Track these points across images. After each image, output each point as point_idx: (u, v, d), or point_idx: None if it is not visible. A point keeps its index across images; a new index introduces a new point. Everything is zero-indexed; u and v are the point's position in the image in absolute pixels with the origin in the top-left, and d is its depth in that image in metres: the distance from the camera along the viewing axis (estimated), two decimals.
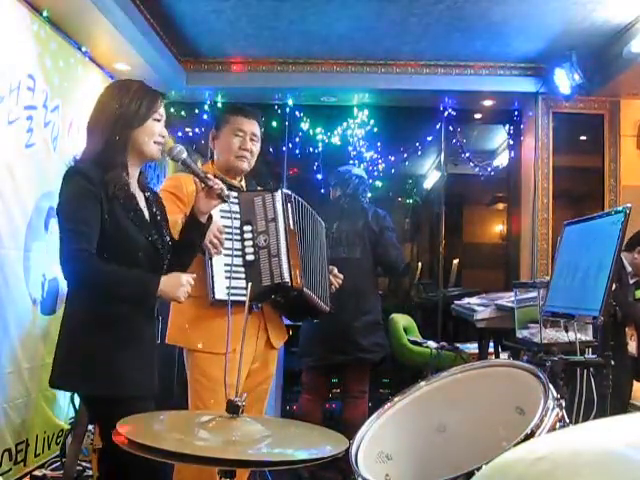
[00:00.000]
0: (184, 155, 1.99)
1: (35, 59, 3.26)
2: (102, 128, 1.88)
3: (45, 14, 3.37)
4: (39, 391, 3.37)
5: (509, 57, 4.92)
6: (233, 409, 1.37)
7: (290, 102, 5.34)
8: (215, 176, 2.15)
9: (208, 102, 5.28)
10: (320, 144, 5.40)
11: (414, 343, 4.62)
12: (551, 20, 4.18)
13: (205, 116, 5.26)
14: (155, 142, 1.93)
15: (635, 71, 4.29)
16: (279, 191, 2.30)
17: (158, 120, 1.94)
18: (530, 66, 5.01)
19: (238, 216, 2.22)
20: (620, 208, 2.17)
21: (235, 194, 2.25)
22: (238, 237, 2.21)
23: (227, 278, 2.15)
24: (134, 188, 1.94)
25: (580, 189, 5.49)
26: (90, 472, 3.10)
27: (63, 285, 3.62)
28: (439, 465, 1.63)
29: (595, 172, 5.20)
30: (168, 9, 4.18)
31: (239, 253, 2.21)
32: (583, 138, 5.43)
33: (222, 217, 2.15)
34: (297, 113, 5.37)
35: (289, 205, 2.30)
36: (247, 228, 2.23)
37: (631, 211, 2.10)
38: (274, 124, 5.26)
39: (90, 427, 3.13)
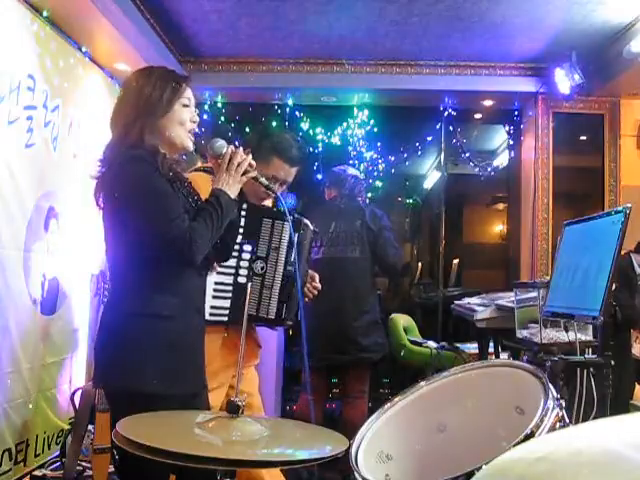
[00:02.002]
0: (224, 150, 1.85)
1: (35, 59, 3.26)
2: (123, 118, 1.77)
3: (45, 14, 3.36)
4: (39, 391, 3.37)
5: (509, 57, 4.92)
6: (233, 409, 1.37)
7: (290, 102, 5.34)
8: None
9: (208, 102, 5.28)
10: (320, 144, 5.40)
11: (414, 343, 4.63)
12: (551, 20, 4.18)
13: (205, 116, 5.26)
14: (188, 130, 1.82)
15: (635, 71, 4.29)
16: (291, 219, 2.12)
17: (187, 105, 1.81)
18: (530, 66, 5.01)
19: (242, 231, 2.09)
20: (620, 208, 2.16)
21: (245, 205, 2.13)
22: (235, 253, 2.09)
23: (214, 297, 2.06)
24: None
25: (580, 189, 5.49)
26: (90, 472, 3.10)
27: (63, 285, 3.63)
28: (439, 465, 1.63)
29: (595, 172, 5.20)
30: (168, 9, 4.18)
31: (231, 272, 2.11)
32: (583, 138, 5.43)
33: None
34: (297, 113, 5.37)
35: (297, 235, 2.15)
36: (247, 248, 2.13)
37: (631, 211, 2.10)
38: (274, 124, 5.26)
39: (90, 427, 3.13)
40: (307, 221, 2.30)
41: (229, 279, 2.12)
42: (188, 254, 1.69)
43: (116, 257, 1.79)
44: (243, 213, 2.10)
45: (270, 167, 2.23)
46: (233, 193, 1.83)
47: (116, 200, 1.72)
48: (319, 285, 2.43)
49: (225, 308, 2.11)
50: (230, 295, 2.12)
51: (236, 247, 2.06)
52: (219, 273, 2.08)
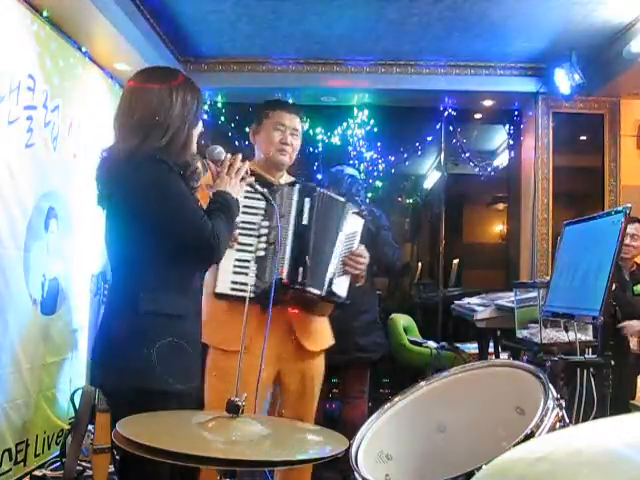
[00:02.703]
0: (223, 156, 1.97)
1: (35, 59, 3.26)
2: (168, 125, 1.77)
3: (45, 14, 3.36)
4: (39, 391, 3.37)
5: (509, 57, 4.93)
6: (233, 409, 1.37)
7: (290, 102, 5.34)
8: (254, 173, 2.16)
9: (208, 102, 5.28)
10: (320, 144, 5.40)
11: (414, 343, 4.62)
12: (551, 20, 4.18)
13: (205, 116, 5.26)
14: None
15: (635, 71, 4.29)
16: (296, 185, 2.25)
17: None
18: (530, 66, 5.02)
19: (263, 213, 2.20)
20: (620, 208, 2.17)
21: (265, 190, 2.18)
22: (256, 233, 2.19)
23: (235, 273, 2.13)
24: None
25: (580, 189, 5.49)
26: (90, 472, 3.10)
27: (63, 285, 3.63)
28: (439, 465, 1.63)
29: (595, 172, 5.20)
30: (168, 9, 4.18)
31: (252, 249, 2.19)
32: (583, 138, 5.43)
33: (244, 213, 2.11)
34: None
35: (307, 199, 2.24)
36: (265, 224, 2.21)
37: (631, 211, 2.10)
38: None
39: (90, 427, 3.13)
40: (332, 193, 2.38)
41: (249, 256, 2.18)
42: (216, 251, 1.79)
43: (127, 256, 1.80)
44: (262, 197, 2.18)
45: (274, 118, 2.41)
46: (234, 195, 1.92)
47: (137, 200, 1.73)
48: (364, 254, 2.40)
49: (249, 284, 2.16)
50: (254, 272, 2.17)
51: (254, 226, 2.17)
52: (239, 250, 2.16)
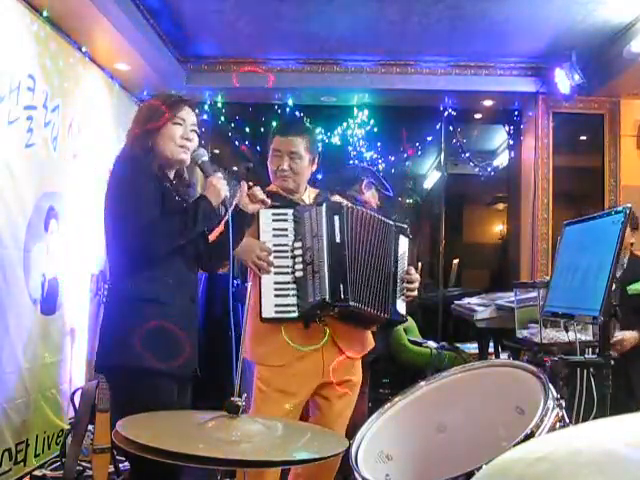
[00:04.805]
0: (204, 158, 2.05)
1: (35, 59, 3.26)
2: (132, 138, 1.99)
3: (45, 14, 3.36)
4: (39, 391, 3.37)
5: (509, 57, 4.93)
6: (233, 409, 1.37)
7: (290, 102, 5.34)
8: (279, 194, 2.32)
9: (208, 102, 5.28)
10: (320, 144, 5.39)
11: (414, 343, 4.63)
12: (551, 20, 4.18)
13: (205, 116, 5.26)
14: (179, 145, 1.98)
15: (635, 71, 4.29)
16: (324, 204, 2.23)
17: (178, 124, 1.98)
18: (530, 66, 5.02)
19: (293, 234, 2.22)
20: (620, 208, 2.16)
21: (291, 211, 2.23)
22: (290, 255, 2.20)
23: (276, 296, 2.16)
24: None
25: (580, 189, 5.49)
26: (90, 472, 3.10)
27: (63, 285, 3.63)
28: (439, 465, 1.63)
29: (595, 172, 5.20)
30: (168, 9, 4.18)
31: (289, 271, 2.20)
32: (583, 138, 5.43)
33: (275, 236, 2.19)
34: (297, 113, 5.37)
35: (336, 217, 2.21)
36: (298, 245, 2.21)
37: (631, 211, 2.10)
38: (274, 124, 5.27)
39: (90, 427, 3.13)
40: (363, 208, 2.38)
41: (287, 277, 2.20)
42: (149, 248, 1.87)
43: (111, 247, 1.97)
44: (291, 217, 2.22)
45: (271, 145, 2.40)
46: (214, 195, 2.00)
47: (107, 197, 1.95)
48: (414, 277, 2.37)
49: (292, 305, 2.18)
50: (295, 292, 2.19)
51: (288, 248, 2.20)
52: (277, 273, 2.19)
